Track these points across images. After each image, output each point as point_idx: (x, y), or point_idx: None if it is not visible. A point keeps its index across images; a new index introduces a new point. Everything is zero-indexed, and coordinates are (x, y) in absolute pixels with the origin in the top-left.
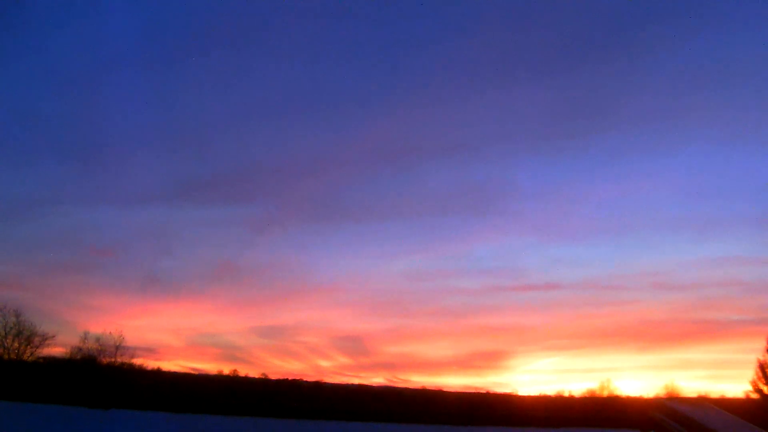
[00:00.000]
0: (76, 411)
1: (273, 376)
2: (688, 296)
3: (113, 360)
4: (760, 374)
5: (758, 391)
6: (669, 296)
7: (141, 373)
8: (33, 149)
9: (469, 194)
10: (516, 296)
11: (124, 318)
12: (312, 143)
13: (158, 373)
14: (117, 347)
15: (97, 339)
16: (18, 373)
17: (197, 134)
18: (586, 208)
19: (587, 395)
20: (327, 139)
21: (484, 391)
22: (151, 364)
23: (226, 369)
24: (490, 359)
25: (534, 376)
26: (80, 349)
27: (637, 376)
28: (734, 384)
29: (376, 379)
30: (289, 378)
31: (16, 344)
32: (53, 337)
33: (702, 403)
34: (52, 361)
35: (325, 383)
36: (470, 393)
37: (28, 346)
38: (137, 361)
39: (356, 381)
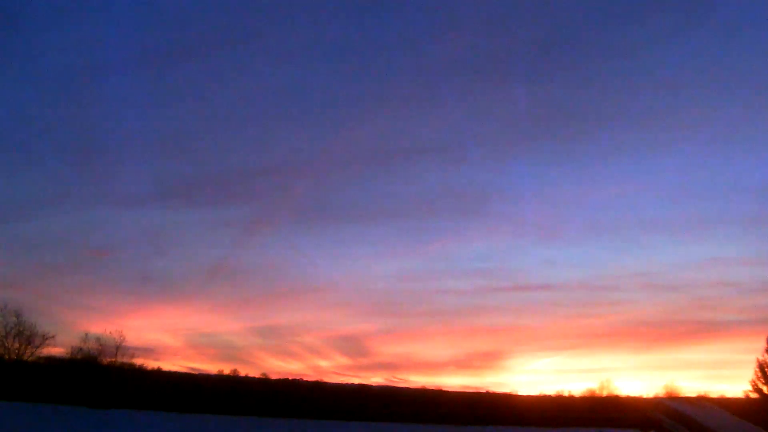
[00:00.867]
0: (76, 411)
1: (273, 376)
2: (681, 297)
3: (113, 360)
4: (760, 374)
5: (758, 391)
6: (662, 297)
7: (141, 373)
8: (33, 149)
9: (460, 195)
10: (508, 297)
11: (123, 318)
12: (303, 145)
13: (158, 373)
14: (117, 347)
15: (98, 339)
16: (18, 373)
17: (192, 136)
18: (578, 209)
19: (587, 395)
20: (318, 140)
21: (484, 391)
22: (150, 364)
23: (227, 369)
24: (488, 359)
25: (532, 376)
26: (80, 350)
27: (635, 377)
28: (730, 384)
29: (375, 379)
30: (289, 378)
31: (16, 344)
32: (53, 337)
33: (702, 402)
34: (53, 361)
35: (325, 383)
36: (470, 393)
37: (29, 347)
38: (137, 361)
39: (356, 381)
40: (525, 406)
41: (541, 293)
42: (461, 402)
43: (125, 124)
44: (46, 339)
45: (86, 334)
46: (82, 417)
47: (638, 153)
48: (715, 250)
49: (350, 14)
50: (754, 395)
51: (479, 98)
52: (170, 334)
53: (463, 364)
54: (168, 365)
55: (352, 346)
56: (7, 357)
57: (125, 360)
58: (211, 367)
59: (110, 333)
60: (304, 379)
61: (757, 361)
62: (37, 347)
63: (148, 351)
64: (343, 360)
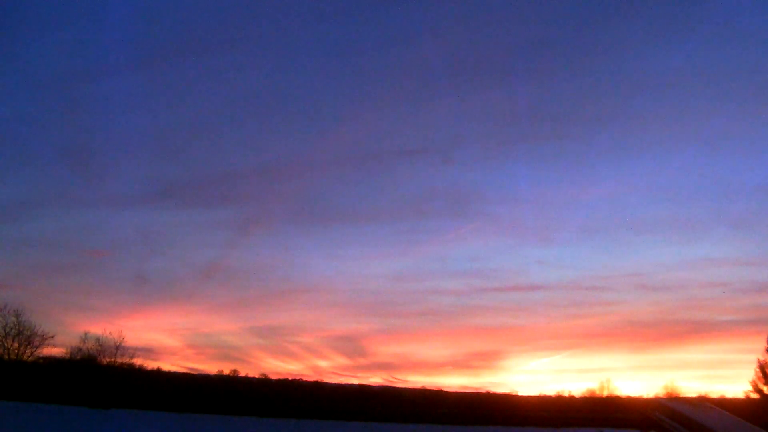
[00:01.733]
0: (76, 411)
1: (272, 376)
2: (673, 297)
3: (113, 360)
4: (760, 374)
5: (758, 391)
6: (653, 297)
7: (140, 373)
8: (30, 151)
9: (454, 195)
10: (502, 297)
11: (122, 318)
12: (294, 145)
13: (158, 373)
14: (117, 347)
15: (97, 339)
16: (18, 373)
17: (188, 137)
18: (572, 209)
19: (587, 395)
20: (308, 141)
21: (483, 391)
22: (150, 364)
23: (226, 369)
24: (484, 359)
25: (530, 376)
26: (80, 350)
27: (633, 377)
28: (728, 384)
29: (374, 379)
30: (289, 378)
31: (16, 344)
32: (53, 337)
33: (702, 403)
34: (52, 361)
35: (324, 383)
36: (470, 393)
37: (28, 347)
38: (137, 362)
39: (355, 381)
40: (525, 407)
41: (535, 293)
42: (461, 402)
43: (121, 126)
44: (46, 339)
45: (86, 335)
46: (82, 417)
47: (631, 154)
48: (709, 251)
49: (344, 15)
50: (754, 396)
51: (472, 99)
52: (169, 334)
53: (460, 365)
54: (167, 365)
55: (350, 346)
56: (6, 357)
57: (125, 360)
58: (210, 367)
59: (110, 333)
60: (304, 379)
61: (758, 361)
62: (37, 347)
63: (147, 351)
64: (342, 360)
